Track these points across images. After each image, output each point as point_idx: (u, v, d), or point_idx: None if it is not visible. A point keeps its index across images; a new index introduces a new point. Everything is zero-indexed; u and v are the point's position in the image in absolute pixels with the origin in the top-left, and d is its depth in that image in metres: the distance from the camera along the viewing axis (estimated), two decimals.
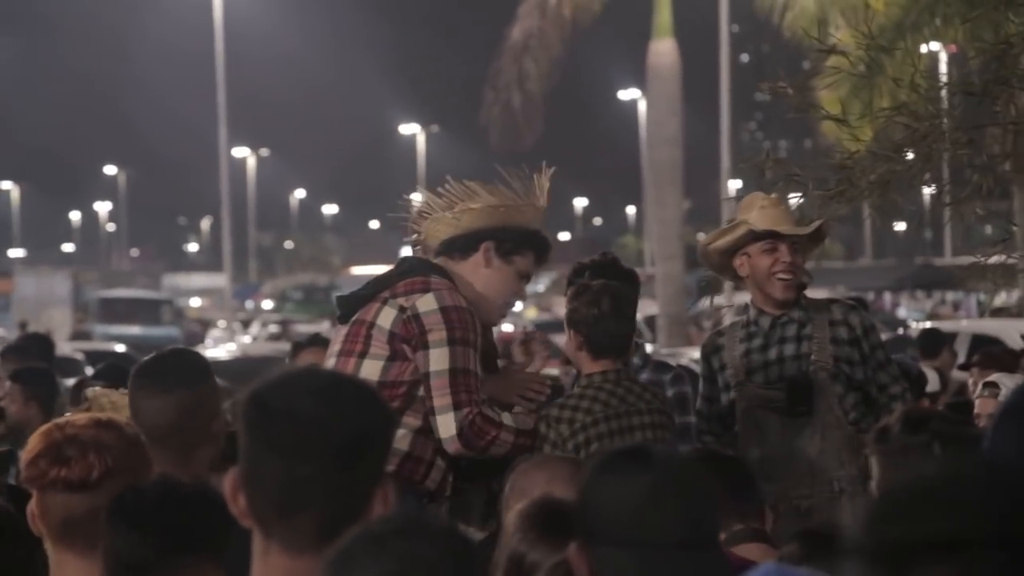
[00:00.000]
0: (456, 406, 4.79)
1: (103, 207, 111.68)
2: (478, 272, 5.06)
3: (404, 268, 5.05)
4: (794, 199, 6.22)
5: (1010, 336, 12.12)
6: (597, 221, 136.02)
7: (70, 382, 10.20)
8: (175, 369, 3.79)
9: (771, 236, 5.51)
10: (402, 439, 4.81)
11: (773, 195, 5.77)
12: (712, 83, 33.81)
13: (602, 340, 5.07)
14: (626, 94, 57.88)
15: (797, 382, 5.48)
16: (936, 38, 14.85)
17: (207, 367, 3.86)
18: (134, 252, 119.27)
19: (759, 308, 5.63)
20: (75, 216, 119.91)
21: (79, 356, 21.08)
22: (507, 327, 28.92)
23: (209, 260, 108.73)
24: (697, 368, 6.41)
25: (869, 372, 5.51)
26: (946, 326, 14.14)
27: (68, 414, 3.67)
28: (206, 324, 53.22)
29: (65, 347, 21.20)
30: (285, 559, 2.33)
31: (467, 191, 5.09)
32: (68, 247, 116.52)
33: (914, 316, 39.37)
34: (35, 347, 9.76)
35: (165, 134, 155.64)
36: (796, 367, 5.51)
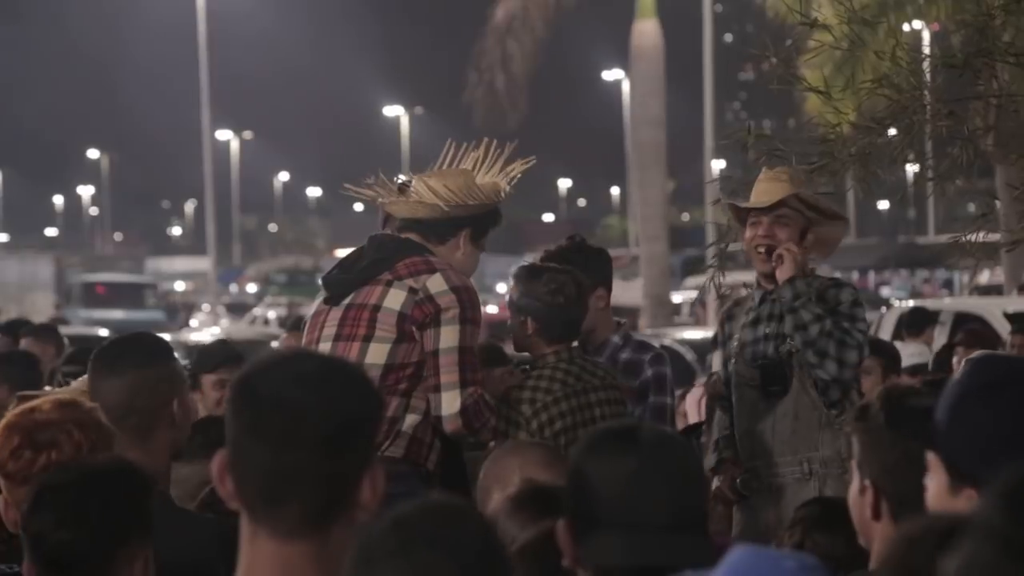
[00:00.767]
0: (463, 384, 4.89)
1: (86, 191, 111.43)
2: (453, 256, 5.14)
3: (392, 249, 5.05)
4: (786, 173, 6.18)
5: (992, 314, 12.14)
6: (581, 202, 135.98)
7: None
8: (129, 351, 3.80)
9: (743, 211, 5.56)
10: (409, 422, 4.87)
11: (779, 168, 5.73)
12: (696, 63, 33.78)
13: (558, 328, 5.13)
14: (610, 75, 57.80)
15: (770, 361, 5.49)
16: (919, 16, 14.88)
17: (165, 350, 3.84)
18: (117, 236, 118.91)
19: (757, 282, 5.65)
20: (58, 200, 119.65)
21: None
22: (492, 308, 28.95)
23: (193, 244, 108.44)
24: (678, 349, 6.43)
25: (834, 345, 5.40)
26: (929, 304, 14.16)
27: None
28: (190, 308, 53.16)
29: None
30: (273, 544, 2.32)
31: (468, 190, 5.12)
32: (51, 231, 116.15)
33: (897, 295, 39.46)
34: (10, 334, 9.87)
35: (148, 117, 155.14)
36: (772, 347, 5.50)
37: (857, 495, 2.99)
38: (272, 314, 37.69)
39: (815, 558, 2.29)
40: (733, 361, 5.63)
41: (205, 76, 42.13)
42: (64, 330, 13.72)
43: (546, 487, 3.37)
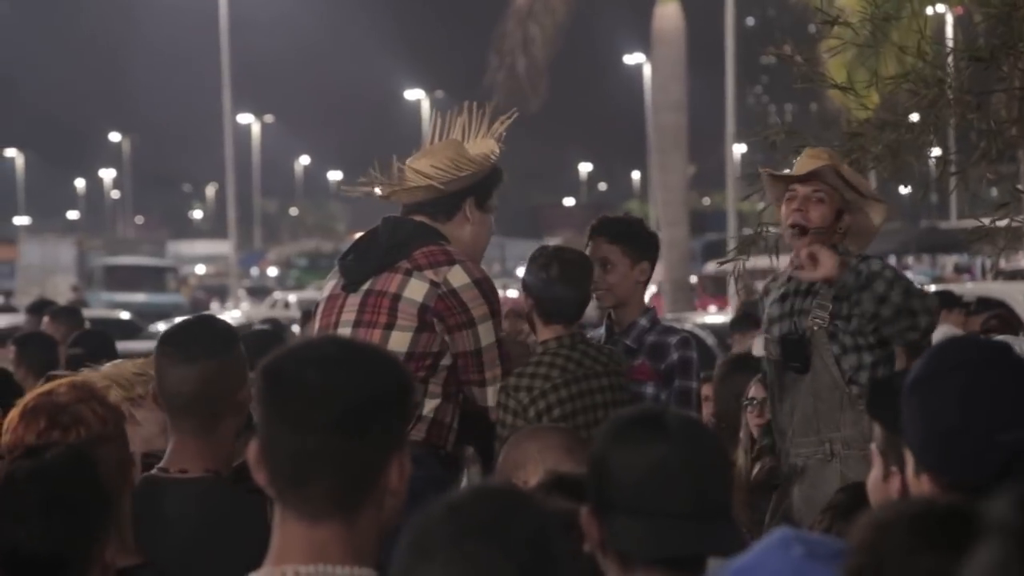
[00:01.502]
0: (505, 374, 5.06)
1: (107, 174, 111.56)
2: (464, 228, 5.18)
3: (407, 233, 5.06)
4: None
5: (1015, 299, 12.11)
6: (602, 186, 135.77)
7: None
8: (200, 338, 3.72)
9: (780, 180, 5.47)
10: (429, 407, 4.95)
11: (821, 148, 5.65)
12: (717, 47, 33.70)
13: (550, 305, 5.15)
14: (631, 59, 57.69)
15: (788, 337, 5.42)
16: (942, 0, 14.80)
17: (233, 336, 3.78)
18: (139, 219, 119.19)
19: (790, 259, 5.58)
20: (79, 183, 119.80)
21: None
22: (512, 293, 28.94)
23: (214, 227, 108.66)
24: (699, 333, 6.41)
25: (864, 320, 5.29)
26: (951, 289, 14.13)
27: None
28: (210, 292, 53.25)
29: None
30: (301, 527, 2.34)
31: (456, 163, 5.13)
32: (73, 214, 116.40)
33: (919, 279, 39.32)
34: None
35: (169, 101, 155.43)
36: (798, 322, 5.43)
37: (880, 481, 2.98)
38: (292, 297, 37.75)
39: (830, 545, 2.28)
40: (767, 338, 5.58)
41: (226, 59, 42.15)
42: (84, 312, 13.81)
43: (570, 475, 3.36)
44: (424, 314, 4.94)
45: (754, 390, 6.10)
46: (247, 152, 73.39)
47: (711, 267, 34.80)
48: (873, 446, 3.05)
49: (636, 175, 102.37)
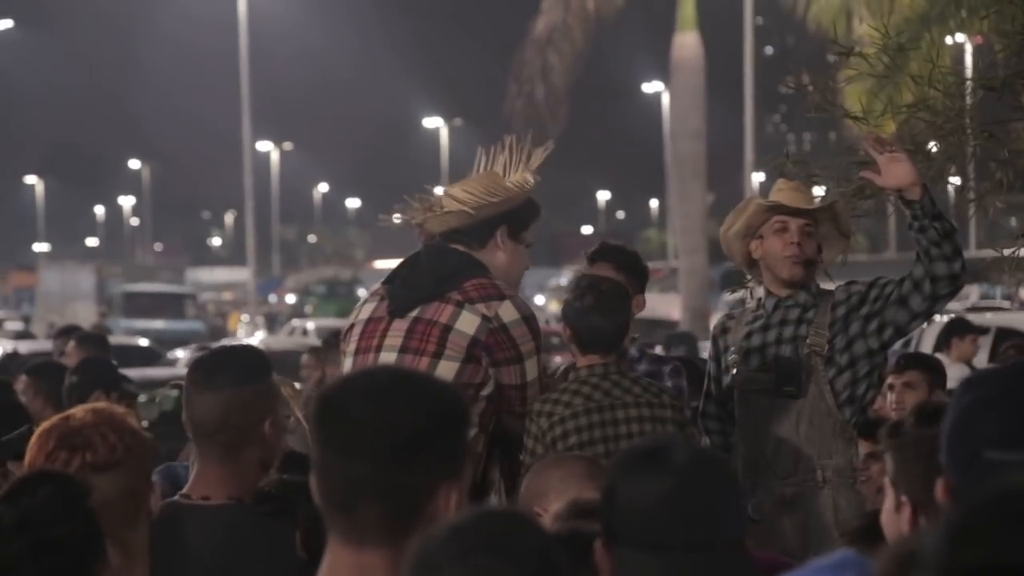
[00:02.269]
0: None
1: (127, 201, 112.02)
2: (496, 256, 5.19)
3: (454, 265, 5.10)
4: (817, 196, 6.19)
5: None
6: (620, 215, 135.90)
7: None
8: (227, 366, 3.71)
9: (780, 211, 5.48)
10: None
11: (795, 180, 5.75)
12: (736, 76, 33.75)
13: (588, 334, 5.15)
14: (650, 87, 57.84)
15: (785, 361, 5.43)
16: (962, 30, 14.80)
17: (263, 366, 3.76)
18: (158, 246, 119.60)
19: (768, 291, 5.61)
20: (99, 210, 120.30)
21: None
22: None
23: (233, 254, 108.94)
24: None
25: (873, 326, 5.37)
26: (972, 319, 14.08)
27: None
28: (224, 317, 53.34)
29: None
30: (348, 553, 2.41)
31: (488, 188, 5.15)
32: (92, 241, 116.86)
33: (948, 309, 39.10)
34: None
35: (189, 128, 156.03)
36: (789, 349, 5.45)
37: (893, 512, 2.98)
38: (311, 325, 37.81)
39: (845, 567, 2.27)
40: (735, 371, 5.58)
41: (246, 87, 42.33)
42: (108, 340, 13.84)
43: (592, 503, 3.35)
44: (473, 347, 5.00)
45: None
46: (266, 179, 73.63)
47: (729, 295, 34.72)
48: (887, 480, 3.05)
49: (654, 203, 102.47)
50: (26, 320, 41.08)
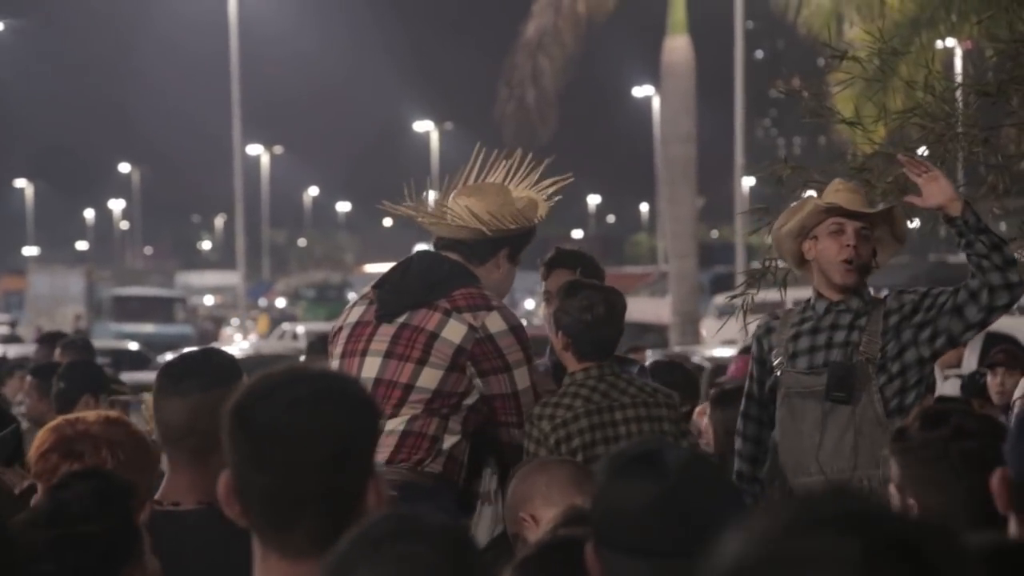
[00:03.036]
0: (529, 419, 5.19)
1: (117, 205, 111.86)
2: (492, 274, 5.26)
3: (444, 274, 5.09)
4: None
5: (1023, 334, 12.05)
6: (610, 219, 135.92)
7: None
8: (195, 371, 3.72)
9: (838, 213, 5.42)
10: (448, 443, 5.05)
11: (852, 181, 5.70)
12: (727, 80, 33.75)
13: (590, 345, 5.17)
14: (640, 91, 57.81)
15: (839, 367, 5.35)
16: (952, 34, 14.82)
17: (233, 371, 3.74)
18: (148, 250, 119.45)
19: (818, 292, 5.54)
20: (89, 214, 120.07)
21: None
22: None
23: (223, 258, 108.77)
24: (707, 367, 6.38)
25: (926, 334, 5.36)
26: None
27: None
28: (218, 321, 53.27)
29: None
30: (284, 565, 2.35)
31: (510, 214, 5.21)
32: (82, 245, 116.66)
33: None
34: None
35: (179, 132, 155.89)
36: (842, 354, 5.38)
37: None
38: (301, 329, 37.77)
39: None
40: (779, 373, 5.51)
41: (236, 90, 42.25)
42: (98, 343, 13.83)
43: (583, 509, 3.33)
44: (458, 356, 5.03)
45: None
46: (256, 183, 73.49)
47: (719, 300, 34.77)
48: (892, 485, 3.03)
49: (644, 207, 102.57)
50: (13, 324, 40.93)
